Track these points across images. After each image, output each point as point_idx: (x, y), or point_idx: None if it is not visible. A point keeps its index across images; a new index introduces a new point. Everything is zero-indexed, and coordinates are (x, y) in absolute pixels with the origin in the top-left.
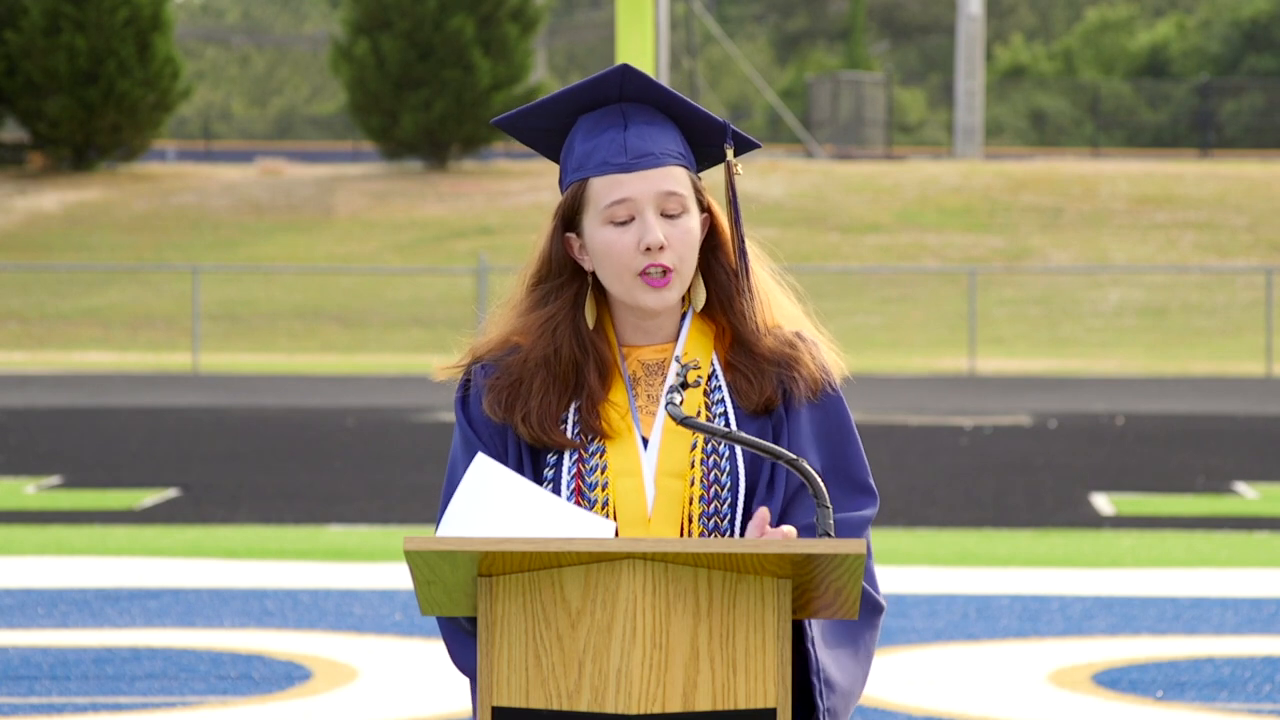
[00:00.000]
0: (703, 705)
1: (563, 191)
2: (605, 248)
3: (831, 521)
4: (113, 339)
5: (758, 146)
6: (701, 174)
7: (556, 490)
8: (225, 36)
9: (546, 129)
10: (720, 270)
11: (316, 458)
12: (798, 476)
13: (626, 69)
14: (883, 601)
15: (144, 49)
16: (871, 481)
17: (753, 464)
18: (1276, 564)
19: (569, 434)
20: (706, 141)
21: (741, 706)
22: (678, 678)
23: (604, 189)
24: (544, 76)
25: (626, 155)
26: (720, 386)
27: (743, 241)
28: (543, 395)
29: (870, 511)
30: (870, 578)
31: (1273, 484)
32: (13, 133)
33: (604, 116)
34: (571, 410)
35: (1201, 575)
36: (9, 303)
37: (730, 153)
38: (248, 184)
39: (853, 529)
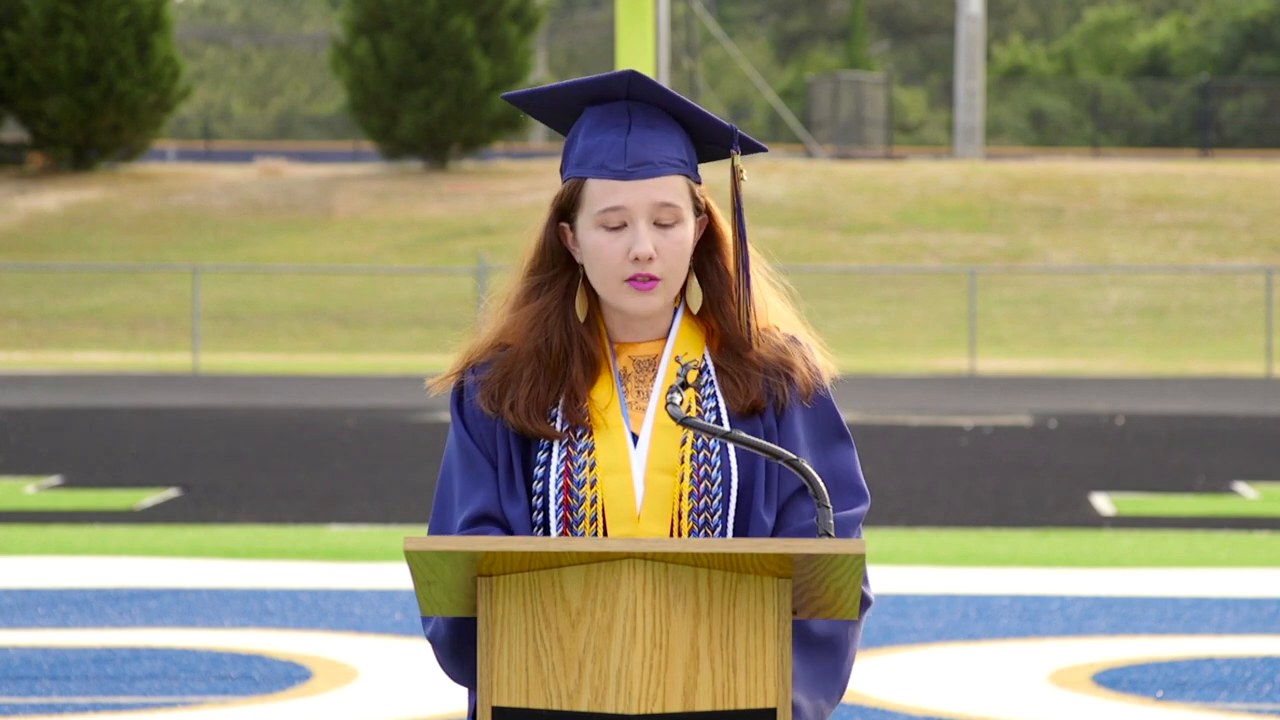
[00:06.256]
0: (703, 705)
1: (563, 179)
2: (595, 251)
3: (832, 521)
4: (113, 339)
5: (764, 150)
6: (704, 165)
7: (545, 485)
8: (225, 36)
9: (554, 110)
10: (714, 272)
11: (316, 458)
12: (792, 482)
13: (634, 75)
14: (870, 596)
15: (144, 49)
16: (863, 483)
17: (745, 462)
18: (1276, 564)
19: (556, 425)
20: (712, 143)
21: (741, 706)
22: (678, 678)
23: (599, 193)
24: (544, 76)
25: (625, 162)
26: (713, 384)
27: (746, 255)
28: (531, 385)
29: (861, 510)
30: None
31: (1273, 484)
32: (13, 133)
33: (610, 114)
34: (561, 401)
35: (1201, 575)
36: (9, 303)
37: (736, 158)
38: (248, 184)
39: (844, 528)
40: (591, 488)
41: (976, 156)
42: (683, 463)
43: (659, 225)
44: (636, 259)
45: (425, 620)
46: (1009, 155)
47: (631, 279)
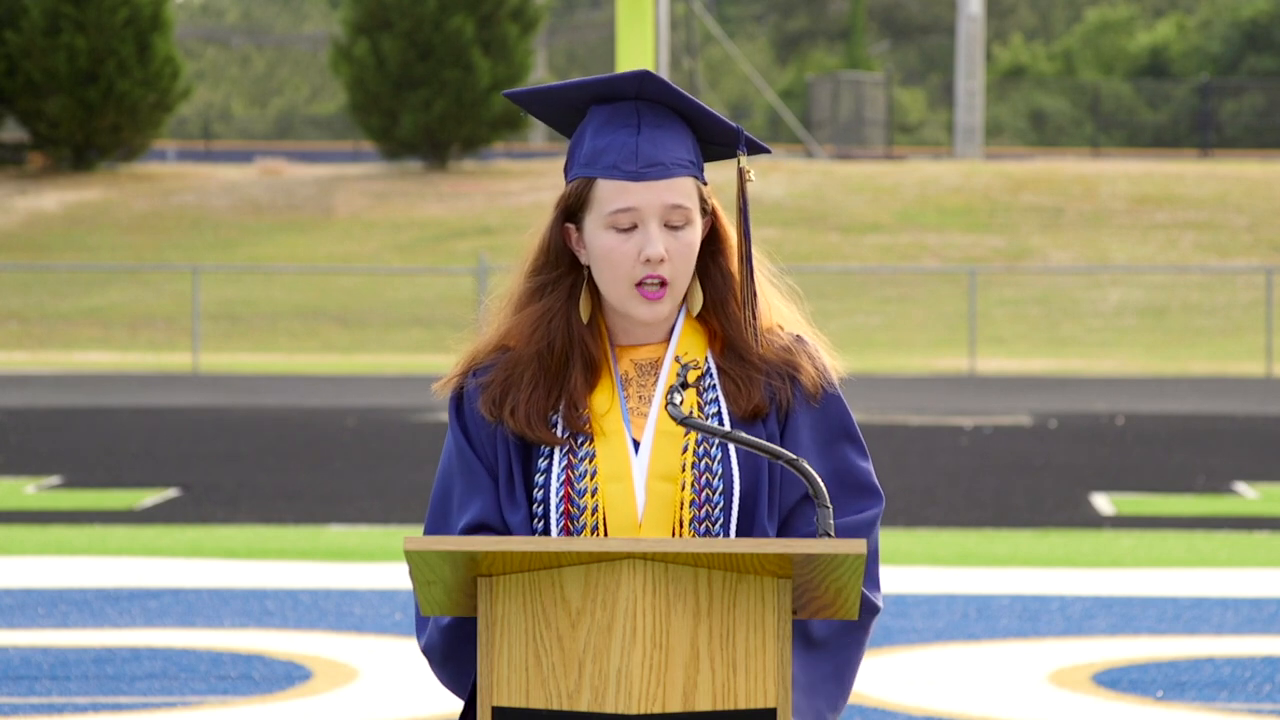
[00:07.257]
0: (703, 705)
1: (568, 179)
2: (605, 253)
3: (832, 522)
4: (113, 339)
5: (769, 151)
6: (709, 164)
7: (546, 493)
8: (225, 36)
9: (558, 108)
10: (717, 273)
11: (316, 458)
12: (795, 490)
13: (647, 74)
14: (879, 603)
15: (144, 49)
16: (875, 481)
17: (748, 470)
18: (1276, 564)
19: (557, 432)
20: (719, 143)
21: (741, 706)
22: (678, 678)
23: (610, 193)
24: (544, 76)
25: (637, 163)
26: (715, 386)
27: (750, 257)
28: (532, 389)
29: (875, 511)
30: (873, 579)
31: (1273, 484)
32: (13, 133)
33: (618, 113)
34: (561, 407)
35: (1201, 575)
36: (9, 303)
37: (743, 159)
38: (248, 184)
39: (856, 531)
40: (592, 496)
41: (976, 156)
42: (684, 470)
43: (669, 227)
44: (648, 260)
45: (419, 629)
46: (1009, 155)
47: (641, 283)
